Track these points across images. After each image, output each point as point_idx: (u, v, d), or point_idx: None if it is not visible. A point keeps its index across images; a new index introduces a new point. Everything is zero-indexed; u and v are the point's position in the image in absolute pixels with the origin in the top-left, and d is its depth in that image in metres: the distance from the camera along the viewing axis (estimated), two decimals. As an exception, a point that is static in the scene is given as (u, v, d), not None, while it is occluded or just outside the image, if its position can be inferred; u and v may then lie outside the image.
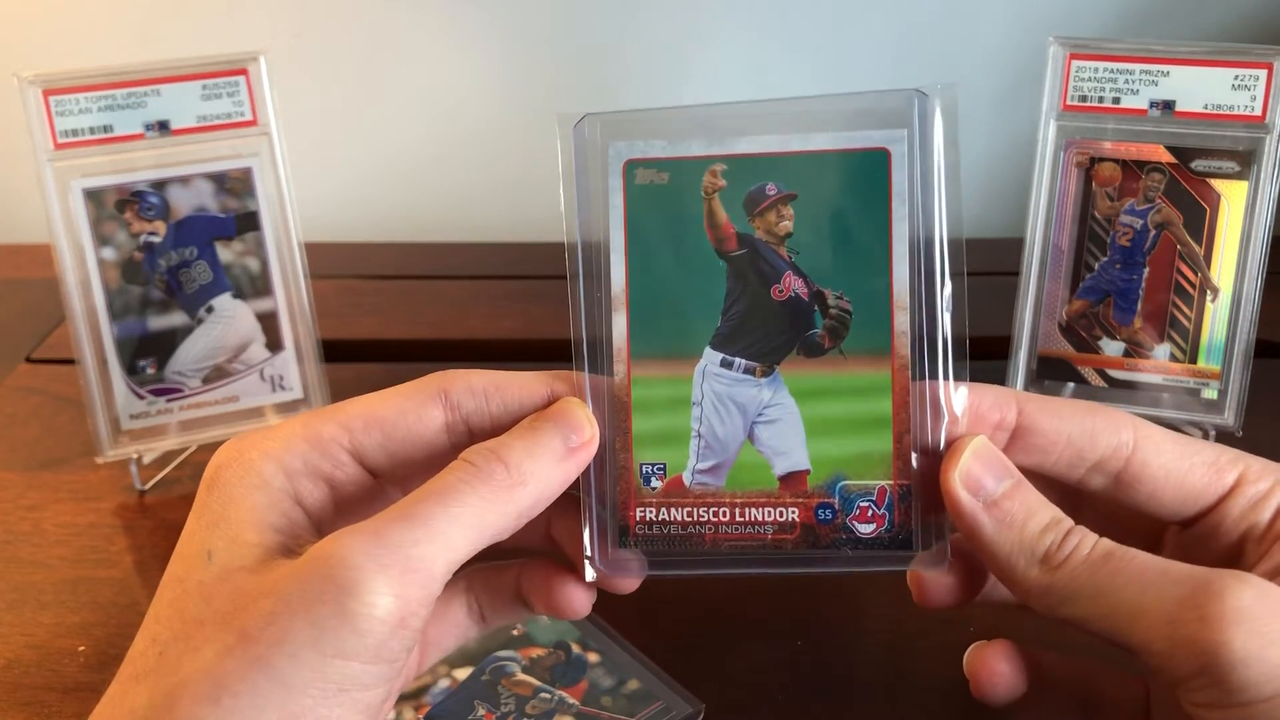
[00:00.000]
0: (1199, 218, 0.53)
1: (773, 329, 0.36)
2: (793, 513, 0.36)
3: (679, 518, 0.36)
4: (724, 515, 0.36)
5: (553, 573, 0.37)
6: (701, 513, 0.36)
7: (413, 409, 0.35)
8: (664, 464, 0.36)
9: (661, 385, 0.36)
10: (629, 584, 0.37)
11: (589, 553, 0.36)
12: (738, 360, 0.36)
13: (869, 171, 0.36)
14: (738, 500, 0.36)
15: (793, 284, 0.36)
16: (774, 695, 0.44)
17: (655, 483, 0.36)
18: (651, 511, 0.36)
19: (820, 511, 0.36)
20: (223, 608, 0.30)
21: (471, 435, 0.35)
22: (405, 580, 0.30)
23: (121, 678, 0.31)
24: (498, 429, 0.35)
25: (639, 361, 0.36)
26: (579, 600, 0.37)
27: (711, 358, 0.36)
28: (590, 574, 0.36)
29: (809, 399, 0.36)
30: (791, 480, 0.36)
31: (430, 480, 0.32)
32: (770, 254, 0.36)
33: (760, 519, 0.36)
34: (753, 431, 0.36)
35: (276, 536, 0.32)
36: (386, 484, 0.37)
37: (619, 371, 0.36)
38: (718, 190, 0.36)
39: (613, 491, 0.36)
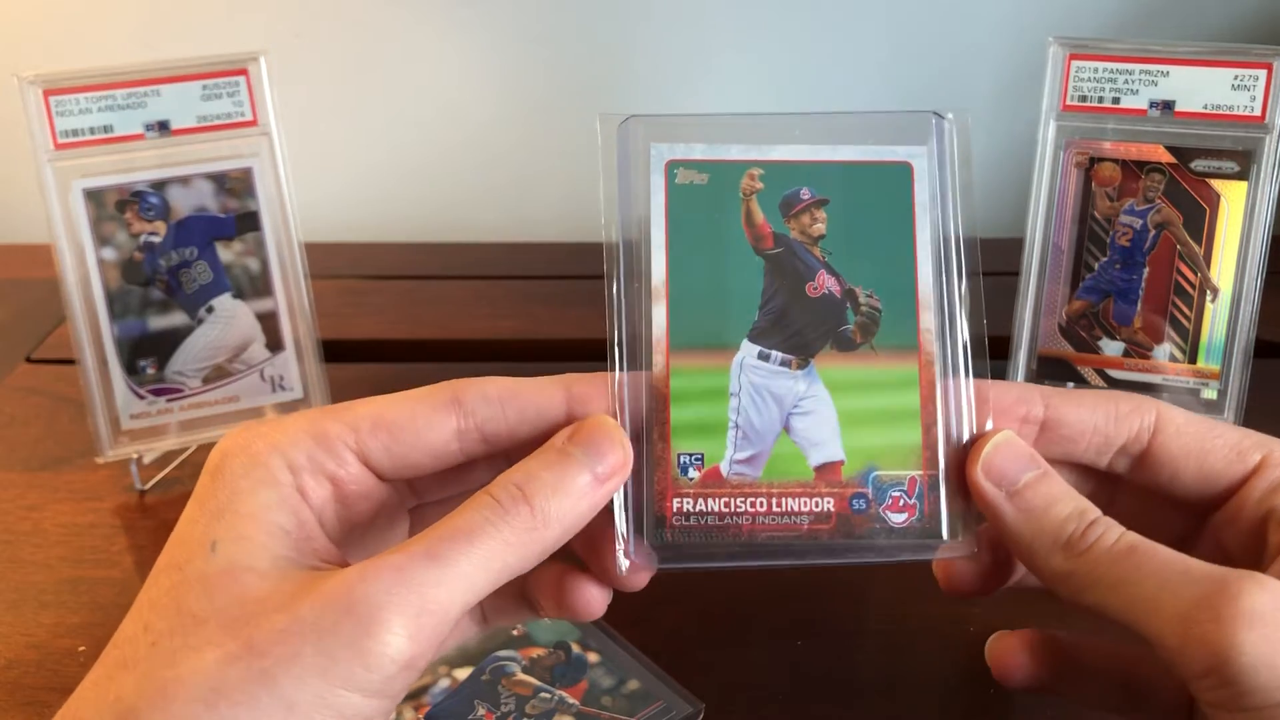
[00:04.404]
0: (1199, 218, 0.53)
1: (808, 324, 0.37)
2: (828, 503, 0.36)
3: (716, 508, 0.36)
4: (761, 505, 0.36)
5: (565, 574, 0.36)
6: (739, 503, 0.36)
7: (423, 414, 0.34)
8: (702, 454, 0.36)
9: (700, 376, 0.37)
10: (645, 578, 0.36)
11: (623, 547, 0.35)
12: (774, 353, 0.37)
13: (894, 182, 0.38)
14: (774, 490, 0.36)
15: (826, 282, 0.38)
16: (774, 695, 0.44)
17: (693, 473, 0.36)
18: (689, 502, 0.36)
19: (855, 501, 0.36)
20: (227, 608, 0.30)
21: (486, 443, 0.35)
22: (421, 623, 0.30)
23: (106, 662, 0.30)
24: (514, 437, 0.35)
25: (678, 353, 0.37)
26: (596, 601, 0.36)
27: (749, 350, 0.37)
28: (624, 565, 0.35)
29: (842, 392, 0.37)
30: (826, 471, 0.37)
31: (455, 513, 0.32)
32: (805, 253, 0.38)
33: (797, 509, 0.36)
34: (788, 422, 0.37)
35: (286, 539, 0.32)
36: (392, 486, 0.36)
37: (658, 363, 0.37)
38: (755, 192, 0.38)
39: (649, 482, 0.36)
